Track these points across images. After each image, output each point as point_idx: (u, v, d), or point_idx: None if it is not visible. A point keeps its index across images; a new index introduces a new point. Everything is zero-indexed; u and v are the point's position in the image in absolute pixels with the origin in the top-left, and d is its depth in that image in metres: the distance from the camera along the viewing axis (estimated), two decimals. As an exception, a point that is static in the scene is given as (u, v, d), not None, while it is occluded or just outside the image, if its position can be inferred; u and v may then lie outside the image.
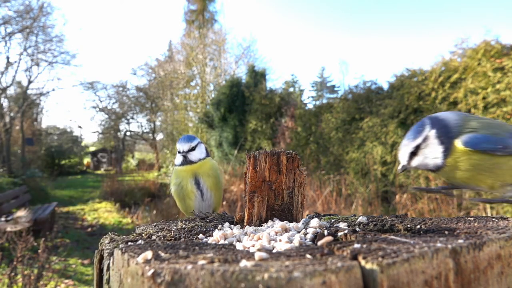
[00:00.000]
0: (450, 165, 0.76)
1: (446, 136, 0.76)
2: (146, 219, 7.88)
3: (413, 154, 0.79)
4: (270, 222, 0.90)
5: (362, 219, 0.84)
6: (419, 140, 0.78)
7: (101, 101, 23.89)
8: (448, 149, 0.75)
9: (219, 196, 1.26)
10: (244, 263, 0.51)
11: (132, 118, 24.78)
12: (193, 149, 1.21)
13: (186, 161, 1.21)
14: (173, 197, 1.29)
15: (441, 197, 5.31)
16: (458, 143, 0.74)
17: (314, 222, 0.81)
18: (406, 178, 6.33)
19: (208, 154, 1.26)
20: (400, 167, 0.81)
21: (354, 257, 0.53)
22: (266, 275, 0.45)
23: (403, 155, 0.80)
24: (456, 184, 0.81)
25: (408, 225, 0.79)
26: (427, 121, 0.79)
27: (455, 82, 5.83)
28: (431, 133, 0.77)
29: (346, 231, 0.74)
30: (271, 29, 74.85)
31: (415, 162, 0.79)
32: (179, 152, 1.22)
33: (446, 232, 0.66)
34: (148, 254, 0.56)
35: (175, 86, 20.90)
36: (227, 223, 0.91)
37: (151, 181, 11.97)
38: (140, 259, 0.54)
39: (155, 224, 0.96)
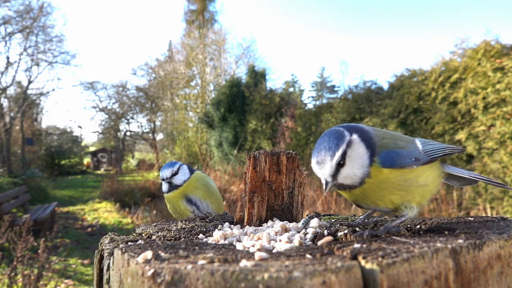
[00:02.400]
0: (371, 180, 0.68)
1: (370, 139, 0.68)
2: (146, 219, 7.88)
3: (340, 165, 0.66)
4: (270, 222, 0.90)
5: (362, 219, 0.84)
6: (343, 147, 0.66)
7: (101, 101, 23.93)
8: (374, 152, 0.67)
9: (216, 201, 1.29)
10: (244, 263, 0.51)
11: (132, 118, 24.80)
12: (176, 173, 1.26)
13: (172, 187, 1.26)
14: None
15: (441, 197, 5.32)
16: (376, 161, 0.67)
17: (314, 222, 0.81)
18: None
19: (192, 172, 1.30)
20: (327, 186, 0.68)
21: (354, 257, 0.53)
22: (266, 275, 0.45)
23: (327, 170, 0.66)
24: (364, 206, 0.74)
25: (408, 225, 0.79)
26: (340, 129, 0.69)
27: (455, 82, 5.83)
28: (354, 137, 0.67)
29: (346, 231, 0.74)
30: (271, 29, 74.90)
31: (343, 174, 0.67)
32: (163, 180, 1.27)
33: (446, 232, 0.66)
34: (148, 254, 0.56)
35: (175, 86, 20.90)
36: (227, 223, 0.91)
37: (151, 181, 11.96)
38: (140, 259, 0.54)
39: (155, 224, 0.96)
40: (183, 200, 1.25)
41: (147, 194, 10.55)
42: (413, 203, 0.70)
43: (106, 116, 24.90)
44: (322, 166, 0.68)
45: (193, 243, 0.69)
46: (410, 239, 0.61)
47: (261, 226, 0.89)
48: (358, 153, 0.68)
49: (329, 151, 0.67)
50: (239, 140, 11.93)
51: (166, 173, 1.26)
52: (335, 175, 0.68)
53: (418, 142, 0.75)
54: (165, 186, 1.28)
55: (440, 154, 0.73)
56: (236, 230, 0.81)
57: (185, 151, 16.87)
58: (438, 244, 0.54)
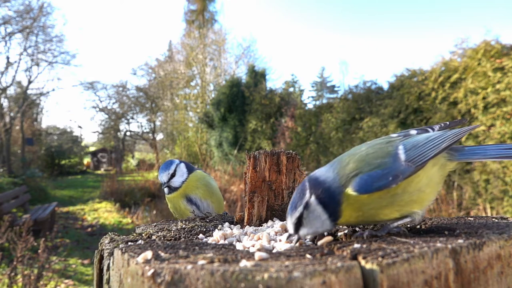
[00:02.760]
0: (345, 218, 0.68)
1: (329, 198, 0.68)
2: (146, 219, 7.88)
3: (298, 224, 0.68)
4: (270, 222, 0.90)
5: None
6: (300, 209, 0.68)
7: (101, 101, 23.93)
8: (336, 210, 0.67)
9: (216, 200, 1.28)
10: (244, 263, 0.51)
11: (132, 118, 24.81)
12: (172, 175, 1.25)
13: (171, 190, 1.26)
14: None
15: (441, 197, 5.32)
16: (350, 191, 0.66)
17: (314, 222, 0.81)
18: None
19: (191, 170, 1.28)
20: (292, 238, 0.70)
21: (354, 257, 0.53)
22: (266, 275, 0.45)
23: (289, 226, 0.70)
24: (357, 224, 0.73)
25: (408, 225, 0.79)
26: (306, 185, 0.70)
27: (455, 82, 5.83)
28: (312, 199, 0.68)
29: (346, 231, 0.74)
30: (271, 29, 74.89)
31: (304, 232, 0.69)
32: (161, 185, 1.27)
33: (446, 232, 0.66)
34: (148, 254, 0.56)
35: (175, 86, 20.91)
36: (227, 223, 0.91)
37: (151, 181, 11.96)
38: (140, 259, 0.54)
39: (155, 224, 0.96)
40: (183, 199, 1.25)
41: (147, 194, 10.55)
42: (414, 210, 0.68)
43: (106, 116, 24.91)
44: (287, 221, 0.71)
45: (193, 243, 0.69)
46: (410, 239, 0.61)
47: (261, 226, 0.89)
48: (315, 215, 0.68)
49: (290, 210, 0.70)
50: (239, 140, 11.93)
51: (163, 178, 1.24)
52: (296, 231, 0.69)
53: (401, 151, 0.68)
54: (165, 190, 1.28)
55: (431, 155, 0.67)
56: (236, 230, 0.81)
57: (185, 151, 16.87)
58: (438, 244, 0.54)
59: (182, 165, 1.27)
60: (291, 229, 0.70)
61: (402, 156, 0.67)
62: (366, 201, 0.66)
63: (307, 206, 0.68)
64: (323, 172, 0.71)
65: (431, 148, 0.68)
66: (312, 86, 35.10)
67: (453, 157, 0.72)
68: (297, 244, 0.68)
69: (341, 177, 0.68)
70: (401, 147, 0.69)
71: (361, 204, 0.66)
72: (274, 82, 29.91)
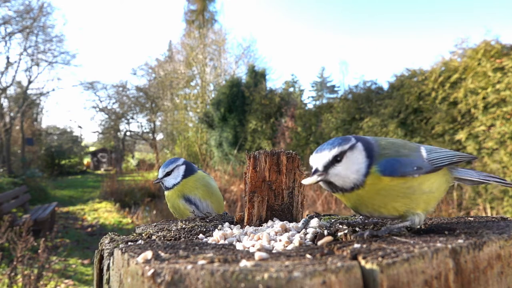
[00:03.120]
0: (367, 188, 0.68)
1: (371, 151, 0.69)
2: (146, 219, 7.88)
3: (336, 161, 0.67)
4: (270, 222, 0.90)
5: (362, 219, 0.84)
6: (346, 147, 0.68)
7: (101, 101, 23.94)
8: (369, 168, 0.68)
9: (216, 200, 1.28)
10: (244, 263, 0.51)
11: (132, 118, 24.81)
12: (168, 174, 1.25)
13: (166, 187, 1.26)
14: None
15: (441, 197, 5.32)
16: (376, 169, 0.67)
17: (314, 222, 0.81)
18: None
19: (191, 172, 1.27)
20: (314, 175, 0.67)
21: (354, 257, 0.53)
22: (266, 275, 0.45)
23: (321, 160, 0.67)
24: (365, 213, 0.73)
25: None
26: (349, 136, 0.72)
27: (455, 82, 5.83)
28: (358, 144, 0.69)
29: (346, 231, 0.74)
30: (271, 29, 74.88)
31: (335, 171, 0.67)
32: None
33: (446, 232, 0.66)
34: (148, 254, 0.56)
35: (175, 86, 20.91)
36: (227, 223, 0.91)
37: (151, 181, 11.94)
38: (140, 259, 0.54)
39: (155, 224, 0.96)
40: (181, 199, 1.25)
41: (147, 194, 10.55)
42: (418, 210, 0.70)
43: (106, 116, 24.92)
44: (318, 156, 0.69)
45: (193, 243, 0.69)
46: (410, 239, 0.61)
47: (261, 226, 0.89)
48: (357, 158, 0.68)
49: (330, 146, 0.69)
50: (239, 140, 11.93)
51: (159, 173, 1.26)
52: (327, 168, 0.68)
53: (423, 150, 0.74)
54: (162, 185, 1.29)
55: (446, 163, 0.72)
56: (236, 230, 0.81)
57: (185, 151, 16.87)
58: (438, 244, 0.54)
59: (182, 168, 1.26)
60: (322, 165, 0.67)
61: (424, 154, 0.72)
62: (384, 185, 0.67)
63: (352, 147, 0.69)
64: (365, 136, 0.74)
65: (447, 157, 0.73)
66: (312, 86, 35.12)
67: (452, 172, 0.79)
68: (298, 244, 0.68)
69: (378, 147, 0.70)
70: (422, 147, 0.74)
71: (380, 187, 0.67)
72: (274, 82, 29.94)
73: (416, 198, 0.69)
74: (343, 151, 0.68)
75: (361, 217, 0.84)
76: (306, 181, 0.69)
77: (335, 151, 0.68)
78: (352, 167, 0.68)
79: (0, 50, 17.92)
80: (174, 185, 1.24)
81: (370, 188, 0.68)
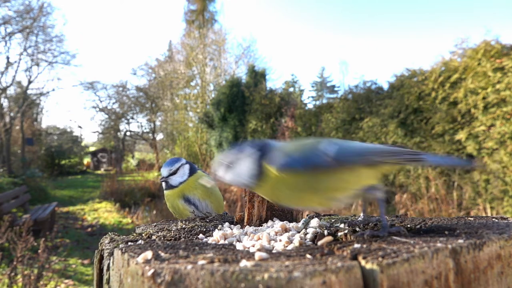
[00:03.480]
0: (265, 186, 0.72)
1: (262, 155, 0.72)
2: (146, 219, 7.88)
3: (228, 167, 0.75)
4: (270, 222, 0.90)
5: (362, 219, 0.84)
6: (235, 154, 0.75)
7: (101, 101, 23.92)
8: (260, 169, 0.71)
9: (216, 200, 1.28)
10: (244, 263, 0.51)
11: (132, 118, 24.80)
12: (174, 173, 1.25)
13: (168, 186, 1.26)
14: None
15: (441, 197, 5.32)
16: (269, 164, 0.70)
17: (314, 222, 0.81)
18: (406, 178, 6.34)
19: (193, 172, 1.28)
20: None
21: (354, 257, 0.53)
22: (266, 275, 0.45)
23: (218, 167, 0.77)
24: (285, 206, 0.77)
25: (408, 225, 0.79)
26: (249, 143, 0.77)
27: (455, 82, 5.83)
28: (248, 150, 0.74)
29: (346, 231, 0.74)
30: (271, 29, 74.85)
31: (229, 175, 0.75)
32: (161, 178, 1.28)
33: (446, 232, 0.66)
34: (148, 254, 0.56)
35: (175, 86, 20.90)
36: (227, 223, 0.91)
37: (151, 181, 11.95)
38: (140, 259, 0.54)
39: (155, 224, 0.96)
40: (180, 199, 1.25)
41: (147, 194, 10.55)
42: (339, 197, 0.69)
43: (106, 116, 24.90)
44: (217, 163, 0.78)
45: (193, 243, 0.69)
46: (410, 239, 0.61)
47: (261, 226, 0.89)
48: (245, 163, 0.74)
49: (227, 153, 0.77)
50: (239, 140, 11.93)
51: (164, 172, 1.26)
52: (224, 174, 0.76)
53: (327, 146, 0.70)
54: (163, 184, 1.29)
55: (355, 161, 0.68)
56: (236, 230, 0.81)
57: (185, 151, 16.87)
58: (438, 244, 0.54)
59: (187, 167, 1.27)
60: (220, 171, 0.75)
61: (329, 150, 0.70)
62: (281, 180, 0.69)
63: (242, 153, 0.74)
64: (269, 140, 0.77)
65: (359, 153, 0.72)
66: (312, 86, 35.13)
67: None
68: (298, 244, 0.68)
69: (277, 149, 0.73)
70: (330, 143, 0.73)
71: (278, 180, 0.69)
72: (274, 82, 29.90)
73: (328, 188, 0.69)
74: (233, 159, 0.75)
75: (361, 217, 0.84)
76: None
77: (227, 159, 0.75)
78: (242, 171, 0.73)
79: (0, 50, 17.92)
80: (181, 183, 1.25)
81: (270, 186, 0.72)
